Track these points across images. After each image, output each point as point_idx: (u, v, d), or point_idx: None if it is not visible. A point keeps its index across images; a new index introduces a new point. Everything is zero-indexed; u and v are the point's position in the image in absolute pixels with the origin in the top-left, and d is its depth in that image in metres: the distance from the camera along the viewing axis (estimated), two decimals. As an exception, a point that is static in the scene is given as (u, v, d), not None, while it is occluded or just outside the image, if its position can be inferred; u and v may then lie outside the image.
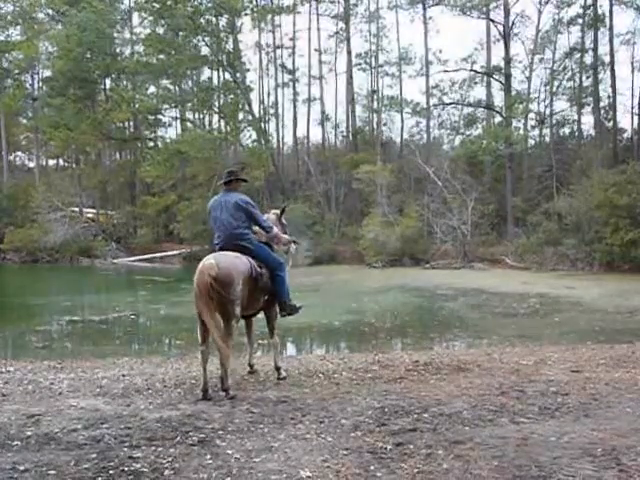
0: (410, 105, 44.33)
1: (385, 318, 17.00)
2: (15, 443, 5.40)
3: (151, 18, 44.64)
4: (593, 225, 28.62)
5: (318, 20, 46.41)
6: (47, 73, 48.50)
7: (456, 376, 7.94)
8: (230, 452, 5.07)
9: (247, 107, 43.63)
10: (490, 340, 13.17)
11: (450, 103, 44.08)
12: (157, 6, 43.12)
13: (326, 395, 6.87)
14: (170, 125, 50.09)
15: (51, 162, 55.29)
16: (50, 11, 49.74)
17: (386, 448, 5.16)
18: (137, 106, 44.23)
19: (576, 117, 41.06)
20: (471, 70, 42.48)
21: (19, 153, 57.67)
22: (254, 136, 45.44)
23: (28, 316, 18.50)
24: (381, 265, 32.32)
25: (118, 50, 47.43)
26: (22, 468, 4.76)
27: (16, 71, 49.23)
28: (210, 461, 4.96)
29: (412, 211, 34.90)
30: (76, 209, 42.91)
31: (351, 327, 16.06)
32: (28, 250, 39.04)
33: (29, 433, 5.66)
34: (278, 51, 47.62)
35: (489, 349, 10.79)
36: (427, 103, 43.71)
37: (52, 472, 4.70)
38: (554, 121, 41.46)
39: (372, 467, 4.76)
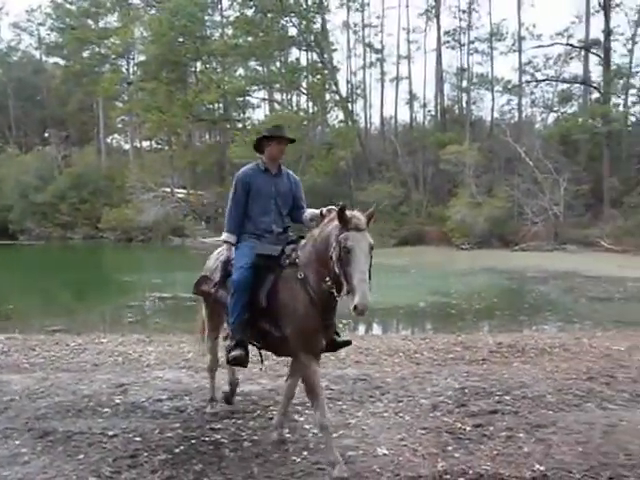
0: (501, 83, 43.27)
1: (472, 300, 16.72)
2: (105, 410, 5.68)
3: (240, 0, 45.12)
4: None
5: (407, -3, 45.72)
6: (141, 58, 49.83)
7: (541, 359, 7.75)
8: (308, 427, 5.16)
9: (334, 87, 43.55)
10: (582, 325, 12.76)
11: (544, 80, 42.60)
12: (246, -12, 43.95)
13: (406, 374, 6.85)
14: (258, 106, 50.77)
15: (145, 144, 57.00)
16: (145, -4, 51.15)
17: (465, 429, 5.12)
18: (226, 88, 44.64)
19: (681, 92, 38.82)
20: (567, 44, 40.91)
21: (115, 135, 59.78)
22: (341, 116, 45.43)
23: (122, 292, 19.32)
24: (469, 247, 31.81)
25: (208, 33, 48.13)
26: (111, 433, 5.02)
27: (113, 56, 50.89)
28: (288, 435, 5.05)
29: (501, 192, 34.10)
30: (168, 189, 44.13)
31: (437, 309, 15.92)
32: (123, 229, 40.58)
33: (118, 401, 5.94)
34: (366, 30, 47.40)
35: (579, 333, 10.46)
36: (519, 80, 42.38)
37: (138, 439, 4.93)
38: (657, 97, 39.39)
39: (450, 447, 4.75)
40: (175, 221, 41.33)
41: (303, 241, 4.64)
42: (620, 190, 33.53)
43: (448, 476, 4.13)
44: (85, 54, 52.83)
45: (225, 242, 5.02)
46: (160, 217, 40.55)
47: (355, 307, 3.85)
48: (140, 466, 4.41)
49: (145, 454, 4.60)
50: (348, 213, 4.08)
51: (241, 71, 47.53)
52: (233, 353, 4.63)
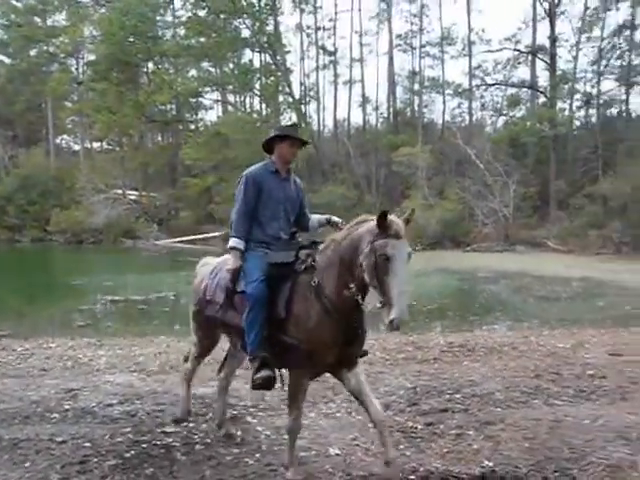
0: (452, 86, 43.94)
1: (425, 301, 16.89)
2: (54, 416, 5.58)
3: (192, 1, 44.83)
4: (638, 208, 27.97)
5: (359, 1, 46.09)
6: (91, 57, 48.98)
7: (491, 358, 7.90)
8: (260, 429, 5.16)
9: (287, 89, 43.64)
10: (531, 324, 13.01)
11: (493, 84, 43.37)
12: (199, -11, 43.75)
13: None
14: (211, 108, 50.50)
15: (95, 145, 55.98)
16: (94, -5, 50.33)
17: (416, 427, 5.19)
18: (178, 89, 44.33)
19: (624, 97, 39.93)
20: (515, 50, 41.73)
21: (65, 136, 58.39)
22: (294, 118, 45.35)
23: (72, 295, 18.92)
24: (421, 248, 32.15)
25: (160, 33, 47.62)
26: (59, 440, 4.93)
27: (61, 55, 49.89)
28: (240, 437, 5.04)
29: (452, 194, 34.57)
30: (119, 191, 43.52)
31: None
32: (73, 231, 39.75)
33: (67, 407, 5.83)
34: (319, 33, 47.45)
35: (527, 332, 10.68)
36: (469, 84, 43.20)
37: (87, 444, 4.85)
38: (601, 101, 40.41)
39: (402, 446, 4.80)
40: (127, 223, 40.74)
41: (322, 245, 4.30)
42: (566, 192, 34.32)
43: (399, 474, 4.16)
44: (32, 52, 51.49)
45: (232, 249, 4.43)
46: (111, 219, 39.94)
47: (391, 321, 3.56)
48: (89, 472, 4.34)
49: (95, 460, 4.53)
50: (389, 218, 3.74)
51: (194, 72, 47.23)
52: (260, 375, 4.15)
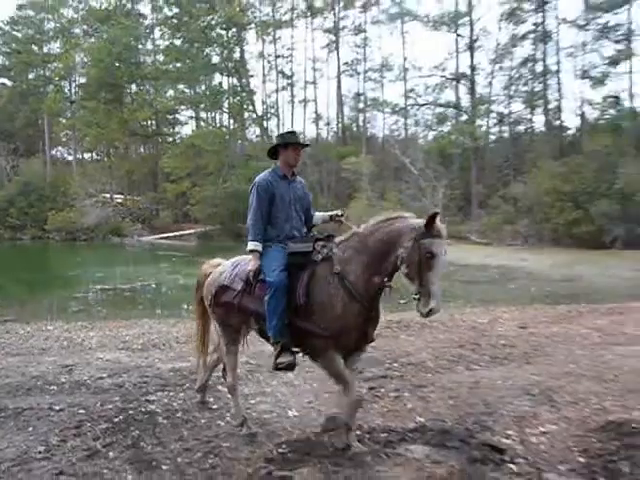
0: (390, 106, 44.05)
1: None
2: (52, 388, 5.49)
3: (170, 32, 44.48)
4: (542, 207, 28.59)
5: (312, 33, 46.06)
6: (82, 80, 47.87)
7: (423, 332, 7.99)
8: (229, 396, 5.13)
9: (251, 107, 43.41)
10: (456, 303, 13.15)
11: (424, 104, 43.62)
12: (175, 22, 43.35)
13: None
14: (186, 123, 49.71)
15: (86, 155, 54.75)
16: (85, 27, 49.25)
17: (361, 391, 5.22)
18: (158, 107, 43.85)
19: (529, 117, 40.81)
20: (442, 76, 42.06)
21: (59, 148, 56.89)
22: (257, 132, 45.35)
23: (67, 285, 18.52)
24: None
25: (142, 59, 46.89)
26: (57, 408, 4.86)
27: (56, 78, 48.74)
28: (214, 403, 5.03)
29: (392, 196, 34.75)
30: (107, 195, 42.66)
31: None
32: (67, 230, 38.75)
33: (63, 380, 5.74)
34: (278, 59, 47.11)
35: (453, 311, 10.85)
36: (405, 104, 43.41)
37: (82, 411, 4.78)
38: (511, 120, 41.18)
39: (348, 407, 4.83)
40: (114, 222, 39.87)
41: (339, 238, 4.06)
42: (485, 194, 34.83)
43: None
44: (31, 75, 50.38)
45: (252, 252, 4.14)
46: (101, 219, 39.06)
47: (431, 310, 3.55)
48: (84, 435, 4.30)
49: (88, 424, 4.48)
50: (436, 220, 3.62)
51: (171, 92, 46.39)
52: (281, 359, 3.91)
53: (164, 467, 3.83)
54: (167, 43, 45.46)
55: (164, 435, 4.29)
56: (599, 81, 35.46)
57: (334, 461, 3.76)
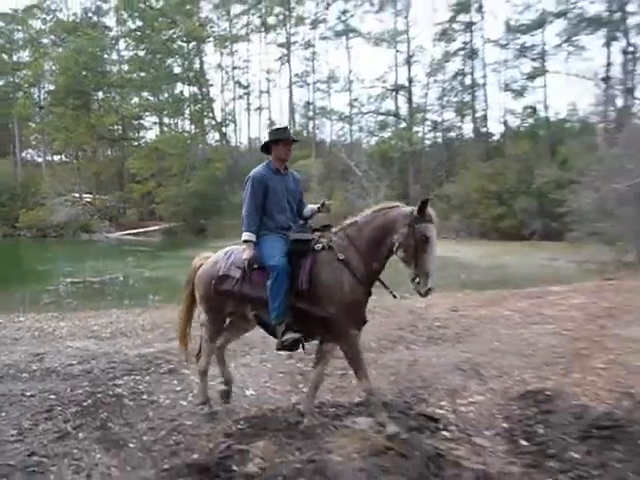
0: (337, 114, 44.25)
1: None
2: (24, 375, 5.29)
3: (134, 43, 43.43)
4: (471, 204, 29.31)
5: (266, 47, 45.87)
6: (51, 87, 46.04)
7: (369, 317, 8.03)
8: (192, 378, 5.06)
9: (211, 114, 42.80)
10: (397, 291, 13.35)
11: (367, 112, 43.91)
12: (139, 34, 42.28)
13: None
14: (150, 128, 48.70)
15: (56, 157, 52.69)
16: (53, 37, 47.36)
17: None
18: (124, 113, 42.91)
19: (459, 124, 41.75)
20: (383, 87, 42.44)
21: (30, 150, 54.66)
22: (217, 137, 44.80)
23: (39, 279, 17.84)
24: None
25: (107, 68, 45.51)
26: (29, 394, 4.68)
27: (25, 85, 46.80)
28: (177, 385, 4.95)
29: (339, 195, 34.89)
30: (76, 195, 41.15)
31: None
32: (38, 228, 37.30)
33: (35, 367, 5.54)
34: (235, 70, 46.67)
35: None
36: (350, 112, 43.66)
37: (52, 397, 4.62)
38: (444, 127, 42.02)
39: (301, 385, 4.85)
40: (83, 220, 38.51)
41: (335, 228, 3.99)
42: (421, 193, 35.28)
43: (299, 406, 4.21)
44: (1, 82, 47.98)
45: (246, 242, 3.95)
46: (70, 217, 37.67)
47: (429, 289, 3.55)
48: (55, 418, 4.17)
49: (59, 408, 4.34)
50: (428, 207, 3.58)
51: (136, 99, 45.21)
52: (287, 336, 3.71)
53: (131, 445, 3.76)
54: (131, 54, 44.45)
55: (131, 416, 4.20)
56: (519, 93, 36.88)
57: (288, 434, 3.78)
